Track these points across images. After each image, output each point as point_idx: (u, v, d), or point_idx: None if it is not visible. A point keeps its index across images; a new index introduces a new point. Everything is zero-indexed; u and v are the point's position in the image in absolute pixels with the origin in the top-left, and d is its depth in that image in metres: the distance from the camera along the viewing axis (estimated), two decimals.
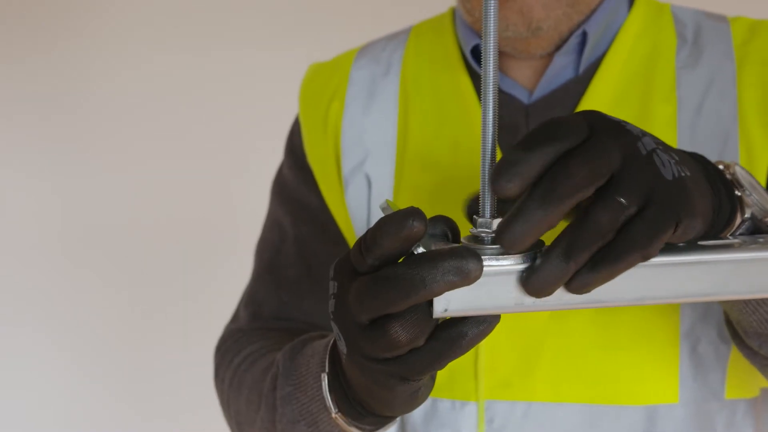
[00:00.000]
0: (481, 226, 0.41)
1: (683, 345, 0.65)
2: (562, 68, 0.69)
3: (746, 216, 0.46)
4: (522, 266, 0.39)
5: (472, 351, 0.67)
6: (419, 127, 0.72)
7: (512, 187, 0.37)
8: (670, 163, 0.39)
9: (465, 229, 0.43)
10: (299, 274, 0.77)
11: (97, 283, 1.86)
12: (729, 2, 1.02)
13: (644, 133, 0.40)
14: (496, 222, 0.40)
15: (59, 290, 1.86)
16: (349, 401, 0.51)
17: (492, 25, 0.40)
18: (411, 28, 0.80)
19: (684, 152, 0.43)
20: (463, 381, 0.67)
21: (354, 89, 0.75)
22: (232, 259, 1.46)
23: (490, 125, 0.41)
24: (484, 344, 0.66)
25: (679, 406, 0.65)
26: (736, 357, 0.65)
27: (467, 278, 0.38)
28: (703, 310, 0.65)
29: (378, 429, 0.53)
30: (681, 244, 0.41)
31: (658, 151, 0.39)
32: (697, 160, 0.45)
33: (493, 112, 0.41)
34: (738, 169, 0.46)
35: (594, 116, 0.40)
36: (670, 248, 0.40)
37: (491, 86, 0.40)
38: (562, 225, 0.39)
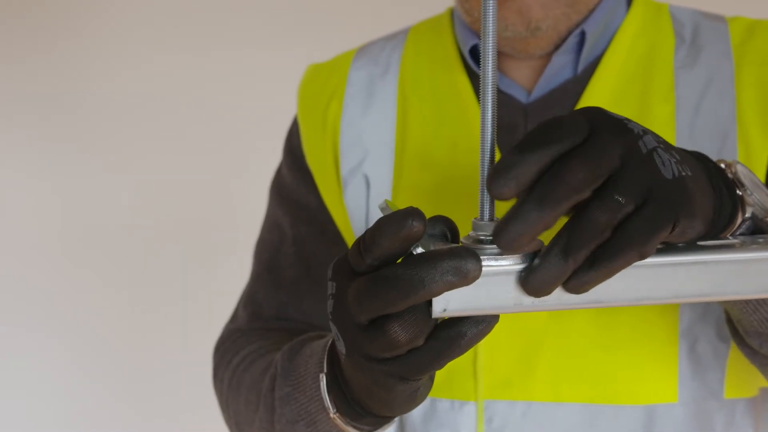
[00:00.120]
0: (480, 229, 0.41)
1: (682, 344, 0.65)
2: (560, 68, 0.69)
3: (747, 216, 0.45)
4: (521, 266, 0.39)
5: (470, 351, 0.67)
6: (418, 127, 0.72)
7: (507, 191, 0.37)
8: (670, 162, 0.39)
9: (464, 229, 0.43)
10: (298, 275, 0.77)
11: (97, 283, 1.86)
12: (728, 2, 1.02)
13: (646, 131, 0.40)
14: (495, 225, 0.40)
15: (59, 290, 1.86)
16: (348, 401, 0.51)
17: (491, 25, 0.40)
18: (409, 29, 0.80)
19: (685, 151, 0.43)
20: (462, 381, 0.67)
21: (352, 90, 0.75)
22: (232, 259, 1.46)
23: (489, 126, 0.41)
24: (483, 344, 0.66)
25: (678, 405, 0.65)
26: (734, 356, 0.66)
27: (466, 278, 0.38)
28: (702, 309, 0.65)
29: (376, 429, 0.53)
30: (680, 245, 0.41)
31: (658, 149, 0.39)
32: (698, 159, 0.45)
33: (492, 112, 0.41)
34: (740, 168, 0.46)
35: (596, 113, 0.40)
36: (669, 248, 0.40)
37: (490, 87, 0.40)
38: (561, 224, 0.39)
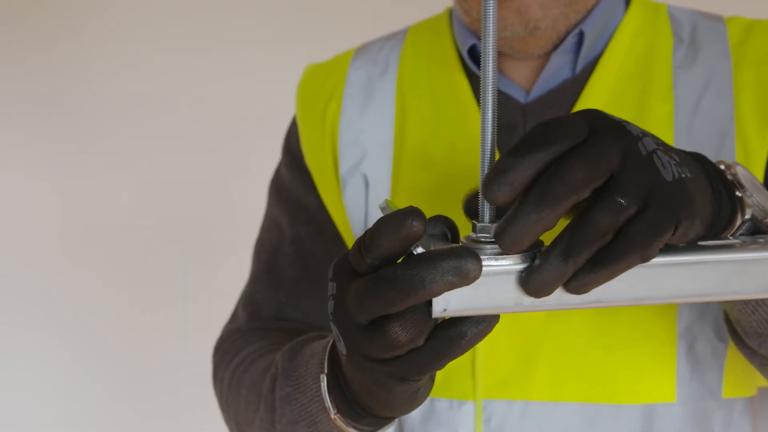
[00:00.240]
0: (481, 231, 0.41)
1: (680, 344, 0.65)
2: (559, 68, 0.69)
3: (747, 217, 0.45)
4: (521, 266, 0.39)
5: (469, 350, 0.67)
6: (416, 127, 0.72)
7: (502, 195, 0.37)
8: (670, 164, 0.39)
9: (464, 228, 0.43)
10: (297, 275, 0.77)
11: (97, 283, 1.86)
12: (727, 2, 1.02)
13: (645, 133, 0.40)
14: (495, 226, 0.40)
15: (59, 290, 1.86)
16: (348, 402, 0.51)
17: (491, 25, 0.40)
18: (408, 29, 0.80)
19: (685, 153, 0.43)
20: (460, 380, 0.67)
21: (351, 90, 0.75)
22: (232, 259, 1.46)
23: (490, 127, 0.41)
24: (482, 344, 0.66)
25: (676, 404, 0.65)
26: (733, 356, 0.66)
27: (466, 278, 0.38)
28: (701, 309, 0.65)
29: (377, 430, 0.53)
30: (681, 245, 0.41)
31: (658, 151, 0.39)
32: (698, 160, 0.45)
33: (493, 113, 0.41)
34: (739, 170, 0.46)
35: (595, 116, 0.40)
36: (669, 248, 0.40)
37: (490, 87, 0.40)
38: (561, 225, 0.39)
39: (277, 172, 0.82)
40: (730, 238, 0.43)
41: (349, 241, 0.75)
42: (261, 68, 1.78)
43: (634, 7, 0.71)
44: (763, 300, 0.52)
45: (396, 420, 0.71)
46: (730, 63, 0.67)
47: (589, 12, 0.68)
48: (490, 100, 0.40)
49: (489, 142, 0.41)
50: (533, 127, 0.38)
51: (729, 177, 0.46)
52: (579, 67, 0.69)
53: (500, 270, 0.39)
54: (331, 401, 0.52)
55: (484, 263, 0.38)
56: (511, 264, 0.39)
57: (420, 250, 0.40)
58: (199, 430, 1.68)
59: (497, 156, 0.67)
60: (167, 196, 1.83)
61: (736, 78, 0.66)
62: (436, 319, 0.40)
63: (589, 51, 0.69)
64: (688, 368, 0.65)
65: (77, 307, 1.86)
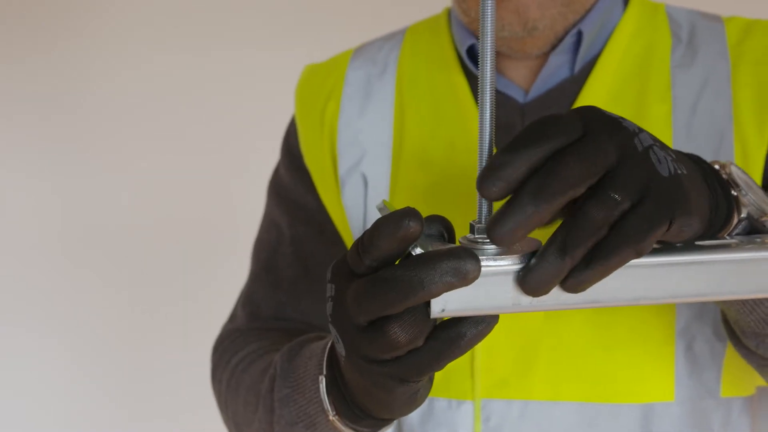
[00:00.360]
0: (478, 231, 0.41)
1: (679, 343, 0.65)
2: (557, 68, 0.69)
3: (743, 216, 0.46)
4: (519, 266, 0.39)
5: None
6: (415, 127, 0.72)
7: (496, 191, 0.37)
8: (666, 159, 0.39)
9: (461, 229, 0.43)
10: (296, 275, 0.77)
11: (97, 283, 1.86)
12: (725, 2, 1.02)
13: (641, 130, 0.40)
14: (488, 219, 0.40)
15: (59, 290, 1.86)
16: (347, 404, 0.51)
17: (489, 25, 0.40)
18: (407, 29, 0.80)
19: (680, 153, 0.43)
20: (459, 380, 0.67)
21: (350, 90, 0.76)
22: (232, 259, 1.46)
23: (488, 126, 0.41)
24: (481, 344, 0.66)
25: (675, 404, 0.65)
26: (731, 355, 0.66)
27: (465, 279, 0.38)
28: (699, 308, 0.65)
29: (375, 431, 0.53)
30: (678, 244, 0.41)
31: (654, 147, 0.39)
32: (693, 160, 0.45)
33: (491, 113, 0.41)
34: (734, 169, 0.46)
35: (591, 112, 0.40)
36: (667, 248, 0.40)
37: (489, 87, 0.40)
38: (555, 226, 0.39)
39: (276, 172, 0.82)
40: (727, 237, 0.43)
41: (348, 241, 0.75)
42: (261, 68, 1.78)
43: (632, 7, 0.71)
44: (761, 300, 0.52)
45: (394, 420, 0.71)
46: (728, 63, 0.67)
47: (588, 12, 0.68)
48: (488, 100, 0.40)
49: (487, 142, 0.41)
50: (529, 124, 0.38)
51: (724, 176, 0.46)
52: (577, 67, 0.69)
53: (498, 270, 0.39)
54: (329, 403, 0.52)
55: (482, 264, 0.38)
56: (509, 264, 0.39)
57: (418, 250, 0.40)
58: (198, 430, 1.68)
59: None
60: (167, 196, 1.83)
61: (735, 78, 0.66)
62: (435, 319, 0.40)
63: (587, 51, 0.69)
64: (686, 368, 0.65)
65: (77, 307, 1.86)
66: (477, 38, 0.70)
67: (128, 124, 1.82)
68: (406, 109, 0.73)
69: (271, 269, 0.79)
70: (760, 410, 0.69)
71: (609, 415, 0.65)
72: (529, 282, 0.38)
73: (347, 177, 0.73)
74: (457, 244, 0.41)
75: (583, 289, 0.38)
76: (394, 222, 0.39)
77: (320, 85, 0.78)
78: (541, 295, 0.38)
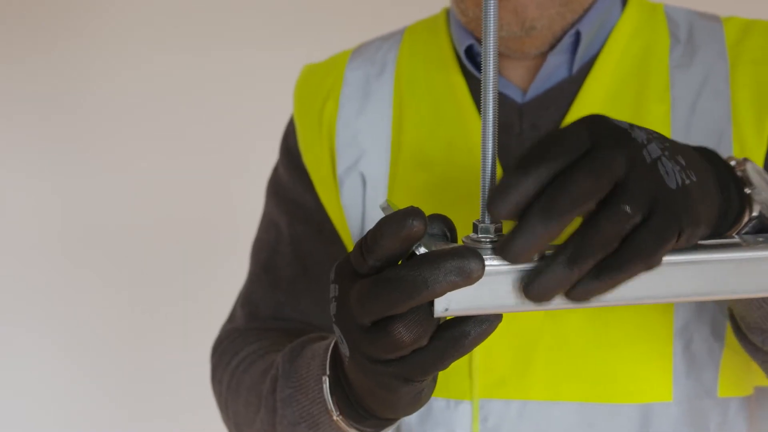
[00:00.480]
0: (482, 232, 0.41)
1: (677, 343, 0.65)
2: (555, 68, 0.69)
3: (754, 214, 0.45)
4: (522, 265, 0.39)
5: None
6: (414, 127, 0.72)
7: (505, 213, 0.37)
8: (674, 171, 0.39)
9: (461, 228, 0.43)
10: (295, 274, 0.77)
11: (97, 283, 1.86)
12: (725, 2, 1.02)
13: (650, 139, 0.40)
14: (495, 226, 0.41)
15: (59, 290, 1.86)
16: (351, 404, 0.51)
17: (492, 25, 0.40)
18: (405, 29, 0.80)
19: (693, 149, 0.43)
20: (457, 380, 0.67)
21: (348, 89, 0.76)
22: (232, 259, 1.46)
23: (491, 127, 0.41)
24: None
25: (672, 404, 0.65)
26: (729, 355, 0.66)
27: (469, 278, 0.38)
28: (697, 308, 0.65)
29: (379, 431, 0.53)
30: None
31: (662, 158, 0.39)
32: (707, 157, 0.45)
33: (494, 113, 0.41)
34: (750, 166, 0.46)
35: (598, 123, 0.40)
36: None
37: (491, 87, 0.40)
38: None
39: (275, 172, 0.82)
40: (735, 236, 0.43)
41: (347, 240, 0.75)
42: (261, 68, 1.78)
43: (630, 7, 0.71)
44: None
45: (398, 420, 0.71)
46: (727, 63, 0.67)
47: (586, 12, 0.68)
48: (491, 101, 0.40)
49: (490, 142, 0.41)
50: (536, 142, 0.38)
51: (738, 173, 0.46)
52: (576, 67, 0.69)
53: (502, 270, 0.39)
54: (333, 403, 0.52)
55: (486, 263, 0.38)
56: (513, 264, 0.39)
57: (422, 250, 0.40)
58: (199, 430, 1.68)
59: (497, 158, 0.67)
60: (167, 196, 1.83)
61: (733, 78, 0.66)
62: (439, 318, 0.41)
63: (585, 51, 0.69)
64: (684, 367, 0.65)
65: (77, 307, 1.86)
66: (475, 38, 0.70)
67: (128, 124, 1.82)
68: (405, 109, 0.73)
69: (270, 269, 0.79)
70: (758, 410, 0.69)
71: (607, 415, 0.65)
72: (534, 289, 0.38)
73: (345, 176, 0.73)
74: (460, 243, 0.41)
75: (589, 299, 0.38)
76: (398, 221, 0.39)
77: (319, 85, 0.78)
78: (544, 302, 0.38)
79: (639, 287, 0.40)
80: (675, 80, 0.67)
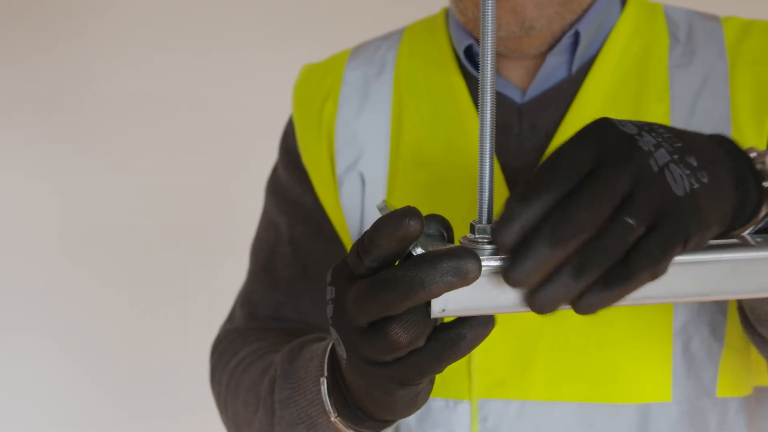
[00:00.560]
0: (480, 232, 0.40)
1: (676, 343, 0.65)
2: (554, 68, 0.69)
3: None
4: None
5: None
6: (413, 126, 0.72)
7: (511, 243, 0.37)
8: (682, 176, 0.39)
9: (459, 227, 0.43)
10: (295, 274, 0.77)
11: (96, 283, 1.86)
12: (724, 2, 1.02)
13: (659, 144, 0.39)
14: (493, 227, 0.40)
15: (59, 290, 1.86)
16: (349, 405, 0.50)
17: (490, 25, 0.40)
18: (404, 29, 0.80)
19: (709, 141, 0.43)
20: (456, 380, 0.67)
21: (347, 89, 0.76)
22: (233, 259, 1.46)
23: (489, 127, 0.41)
24: None
25: (672, 404, 0.65)
26: (728, 355, 0.66)
27: (466, 279, 0.38)
28: (696, 308, 0.65)
29: None
30: None
31: (670, 165, 0.39)
32: (725, 148, 0.44)
33: (491, 113, 0.40)
34: None
35: (604, 131, 0.39)
36: None
37: (489, 87, 0.40)
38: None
39: (274, 172, 0.82)
40: (747, 234, 0.43)
41: (346, 240, 0.75)
42: (261, 68, 1.78)
43: (629, 7, 0.71)
44: None
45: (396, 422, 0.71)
46: (726, 63, 0.67)
47: (585, 12, 0.68)
48: (489, 101, 0.40)
49: (488, 145, 0.41)
50: (538, 168, 0.38)
51: (758, 167, 0.45)
52: (575, 68, 0.69)
53: (499, 270, 0.39)
54: (331, 404, 0.52)
55: (483, 263, 0.38)
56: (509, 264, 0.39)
57: (419, 250, 0.40)
58: (198, 431, 1.68)
59: (496, 158, 0.67)
60: (167, 196, 1.83)
61: (733, 78, 0.66)
62: (436, 320, 0.40)
63: (585, 51, 0.69)
64: (683, 367, 0.65)
65: (77, 307, 1.86)
66: (474, 38, 0.70)
67: (128, 124, 1.82)
68: (404, 108, 0.73)
69: (270, 269, 0.79)
70: (757, 410, 0.69)
71: (607, 415, 0.65)
72: (539, 300, 0.38)
73: (345, 176, 0.73)
74: (457, 243, 0.41)
75: (594, 312, 0.38)
76: (395, 221, 0.39)
77: (318, 84, 0.78)
78: (548, 313, 0.39)
79: (645, 287, 0.39)
80: (674, 80, 0.67)
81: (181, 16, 1.80)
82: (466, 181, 0.68)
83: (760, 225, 0.45)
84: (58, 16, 1.80)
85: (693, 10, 0.72)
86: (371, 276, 0.40)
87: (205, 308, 1.62)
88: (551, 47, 0.68)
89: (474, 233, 0.41)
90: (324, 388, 0.52)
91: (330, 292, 0.44)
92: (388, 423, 0.51)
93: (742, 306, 0.59)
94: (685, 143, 0.40)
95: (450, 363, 0.41)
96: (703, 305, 0.65)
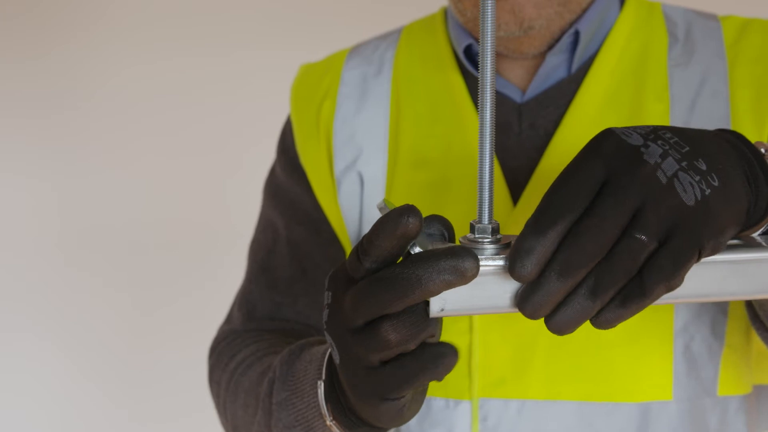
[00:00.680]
0: (480, 232, 0.40)
1: (677, 342, 0.65)
2: (554, 68, 0.69)
3: None
4: None
5: (465, 348, 0.67)
6: (412, 126, 0.72)
7: (527, 276, 0.38)
8: (692, 184, 0.38)
9: (459, 226, 0.43)
10: (293, 275, 0.77)
11: (96, 284, 1.86)
12: (723, 2, 1.02)
13: (666, 153, 0.39)
14: (493, 227, 0.40)
15: (57, 290, 1.86)
16: (344, 410, 0.50)
17: (489, 25, 0.40)
18: (402, 29, 0.80)
19: (717, 138, 0.42)
20: (456, 379, 0.67)
21: (346, 89, 0.76)
22: (232, 259, 1.46)
23: (488, 127, 0.40)
24: (478, 342, 0.66)
25: (672, 403, 0.65)
26: (728, 354, 0.66)
27: (464, 277, 0.38)
28: (697, 307, 0.65)
29: None
30: None
31: (679, 173, 0.39)
32: (732, 144, 0.43)
33: (491, 113, 0.40)
34: None
35: (608, 148, 0.39)
36: None
37: (489, 87, 0.40)
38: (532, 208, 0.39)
39: (272, 172, 0.82)
40: (755, 237, 0.43)
41: (345, 241, 0.75)
42: (261, 68, 1.78)
43: (628, 6, 0.71)
44: None
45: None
46: (725, 62, 0.67)
47: (584, 11, 0.68)
48: (489, 101, 0.40)
49: (487, 145, 0.41)
50: (548, 191, 0.39)
51: None
52: (574, 67, 0.69)
53: (498, 270, 0.39)
54: (327, 408, 0.52)
55: (481, 263, 0.38)
56: (508, 263, 0.39)
57: (417, 249, 0.40)
58: (198, 431, 1.68)
59: (495, 157, 0.67)
60: (168, 196, 1.83)
61: (732, 77, 0.66)
62: (426, 326, 0.40)
63: (584, 50, 0.69)
64: (684, 367, 0.65)
65: (75, 308, 1.86)
66: (474, 38, 0.70)
67: (128, 125, 1.82)
68: (403, 108, 0.73)
69: (268, 270, 0.79)
70: (756, 408, 0.69)
71: (607, 414, 0.65)
72: (557, 323, 0.38)
73: (343, 176, 0.73)
74: (457, 243, 0.41)
75: (613, 326, 0.39)
76: (394, 219, 0.39)
77: (316, 84, 0.78)
78: (567, 333, 0.39)
79: None
80: (673, 79, 0.67)
81: (181, 16, 1.80)
82: (465, 181, 0.68)
83: None
84: (58, 16, 1.80)
85: (691, 9, 0.72)
86: (369, 277, 0.40)
87: (205, 308, 1.62)
88: (550, 47, 0.68)
89: (474, 233, 0.41)
90: (321, 391, 0.52)
91: (327, 297, 0.44)
92: (383, 429, 0.51)
93: (750, 301, 0.59)
94: (693, 146, 0.40)
95: (425, 381, 0.41)
96: (703, 304, 0.65)
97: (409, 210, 0.39)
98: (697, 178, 0.39)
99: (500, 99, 0.70)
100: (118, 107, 1.82)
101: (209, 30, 1.81)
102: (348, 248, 0.75)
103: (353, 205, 0.73)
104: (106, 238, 1.85)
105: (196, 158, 1.82)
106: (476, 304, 0.39)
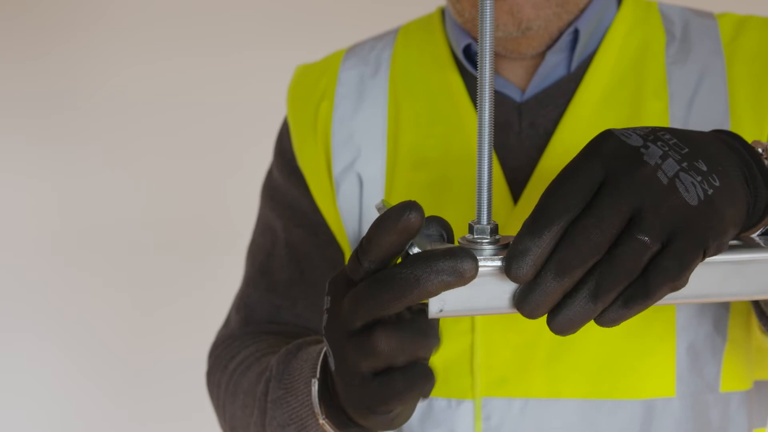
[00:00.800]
0: (478, 233, 0.40)
1: (680, 339, 0.65)
2: (553, 66, 0.69)
3: None
4: None
5: (467, 348, 0.67)
6: (411, 126, 0.72)
7: (524, 277, 0.38)
8: (694, 184, 0.38)
9: (457, 226, 0.43)
10: (291, 278, 0.77)
11: (95, 284, 1.86)
12: (721, 1, 1.02)
13: (666, 154, 0.39)
14: (491, 227, 0.40)
15: (57, 290, 1.86)
16: (337, 410, 0.50)
17: (488, 26, 0.40)
18: (398, 29, 0.80)
19: (714, 138, 0.42)
20: (458, 379, 0.67)
21: (343, 90, 0.75)
22: (231, 259, 1.46)
23: (487, 127, 0.40)
24: (480, 341, 0.66)
25: (675, 399, 0.65)
26: (730, 350, 0.66)
27: (462, 278, 0.38)
28: (699, 304, 0.65)
29: None
30: None
31: (680, 174, 0.38)
32: (728, 144, 0.43)
33: (490, 113, 0.40)
34: None
35: (608, 149, 0.39)
36: None
37: (487, 88, 0.40)
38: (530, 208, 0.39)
39: (269, 175, 0.82)
40: (754, 237, 0.43)
41: (343, 243, 0.75)
42: (261, 68, 1.78)
43: (626, 5, 0.71)
44: None
45: None
46: (723, 59, 0.67)
47: (582, 11, 0.68)
48: (487, 101, 0.40)
49: (486, 145, 0.41)
50: (546, 192, 0.39)
51: (766, 161, 0.44)
52: (574, 66, 0.69)
53: (497, 271, 0.39)
54: (320, 407, 0.51)
55: (480, 263, 0.38)
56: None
57: (416, 250, 0.39)
58: (198, 431, 1.68)
59: (495, 157, 0.67)
60: (168, 197, 1.83)
61: (730, 74, 0.66)
62: (422, 332, 0.40)
63: (583, 49, 0.69)
64: (687, 363, 0.65)
65: (75, 308, 1.86)
66: (473, 38, 0.70)
67: (128, 125, 1.82)
68: (401, 108, 0.73)
69: (266, 273, 0.78)
70: (757, 403, 0.69)
71: (610, 411, 0.65)
72: (560, 323, 0.38)
73: (342, 177, 0.73)
74: (456, 244, 0.41)
75: (616, 325, 0.39)
76: (396, 213, 0.38)
77: (313, 85, 0.78)
78: (569, 334, 0.39)
79: None
80: (672, 76, 0.67)
81: (181, 16, 1.80)
82: (465, 181, 0.68)
83: None
84: (58, 16, 1.80)
85: (687, 8, 0.73)
86: (368, 278, 0.40)
87: (205, 308, 1.62)
88: (549, 47, 0.68)
89: (472, 233, 0.41)
90: (314, 389, 0.52)
91: (326, 302, 0.44)
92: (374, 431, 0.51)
93: (758, 301, 0.59)
94: (692, 147, 0.40)
95: (412, 396, 0.41)
96: None
97: (411, 205, 0.38)
98: (699, 178, 0.38)
99: (500, 98, 0.70)
100: (118, 107, 1.82)
101: (209, 30, 1.80)
102: (346, 250, 0.75)
103: (352, 207, 0.73)
104: (106, 238, 1.85)
105: (196, 158, 1.82)
106: (475, 305, 0.39)
